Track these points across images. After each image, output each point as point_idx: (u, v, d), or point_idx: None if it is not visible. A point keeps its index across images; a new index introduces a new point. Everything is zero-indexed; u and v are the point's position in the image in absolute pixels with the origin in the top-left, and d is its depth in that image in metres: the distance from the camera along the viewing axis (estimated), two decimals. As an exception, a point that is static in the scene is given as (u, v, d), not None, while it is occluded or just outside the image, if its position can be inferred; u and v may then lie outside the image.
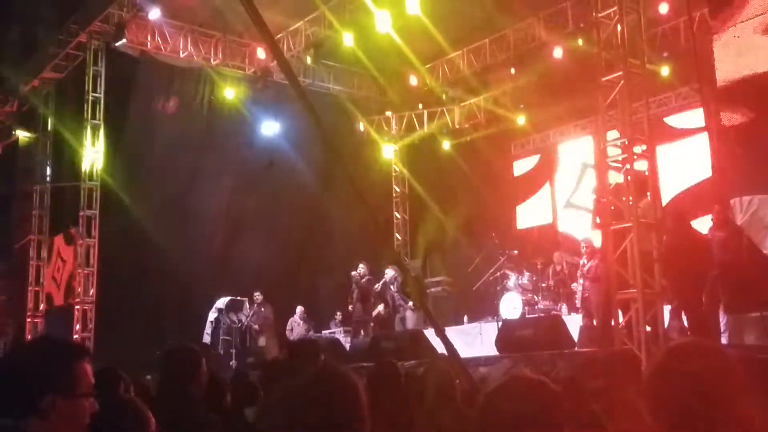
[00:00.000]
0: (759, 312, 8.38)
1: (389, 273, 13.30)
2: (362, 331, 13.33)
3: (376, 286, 13.34)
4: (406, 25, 13.45)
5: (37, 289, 16.57)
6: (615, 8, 9.85)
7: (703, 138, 12.79)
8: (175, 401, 4.14)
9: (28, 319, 16.21)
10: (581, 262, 11.91)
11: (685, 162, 14.27)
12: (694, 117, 13.79)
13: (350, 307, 13.47)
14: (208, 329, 14.25)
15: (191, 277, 14.38)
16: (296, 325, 14.22)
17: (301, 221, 15.93)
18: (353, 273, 13.46)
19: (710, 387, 1.96)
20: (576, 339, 9.90)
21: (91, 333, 14.17)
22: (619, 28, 9.72)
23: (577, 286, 11.90)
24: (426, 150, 18.16)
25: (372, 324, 13.44)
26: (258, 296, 14.24)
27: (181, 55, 15.50)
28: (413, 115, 18.24)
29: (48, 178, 16.99)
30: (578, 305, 11.80)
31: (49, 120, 16.89)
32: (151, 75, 15.22)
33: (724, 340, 8.73)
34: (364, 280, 13.28)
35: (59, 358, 2.15)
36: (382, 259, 13.43)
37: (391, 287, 13.37)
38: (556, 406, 2.19)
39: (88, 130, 14.82)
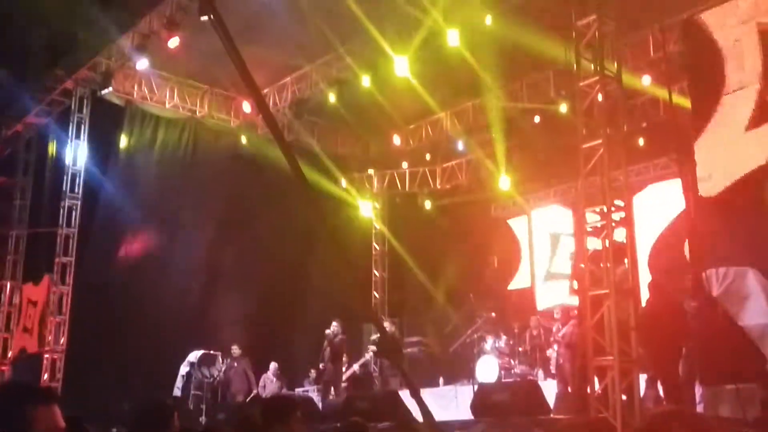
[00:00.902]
0: (734, 384, 8.37)
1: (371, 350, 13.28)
2: (332, 391, 13.15)
3: (356, 365, 13.31)
4: (391, 85, 13.66)
5: (5, 335, 16.23)
6: (596, 78, 10.08)
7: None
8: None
9: (-4, 367, 15.84)
10: (554, 328, 11.98)
11: (659, 203, 14.40)
12: (672, 187, 13.97)
13: (321, 366, 13.26)
14: (179, 383, 13.97)
15: (165, 328, 14.16)
16: (269, 382, 13.99)
17: (279, 277, 15.81)
18: (327, 331, 13.30)
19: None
20: (552, 405, 9.81)
21: (59, 383, 13.83)
22: (600, 97, 9.93)
23: (552, 352, 11.91)
24: (407, 209, 18.26)
25: (344, 384, 13.28)
26: (235, 350, 14.04)
27: (167, 106, 15.61)
28: (395, 174, 18.39)
29: (25, 223, 16.81)
30: (553, 371, 11.77)
31: (31, 165, 16.81)
32: (137, 124, 15.27)
33: (700, 410, 8.69)
34: (337, 338, 13.12)
35: (14, 401, 2.09)
36: (360, 317, 13.34)
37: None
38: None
39: (69, 176, 14.74)
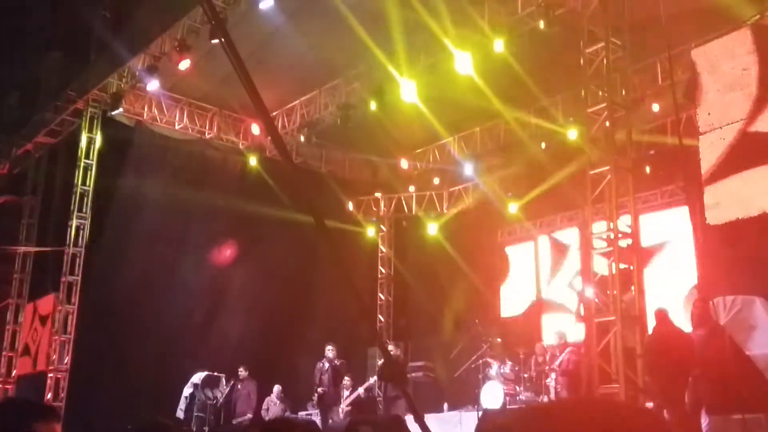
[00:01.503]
0: (741, 414, 8.29)
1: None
2: (332, 415, 13.07)
3: (361, 389, 13.29)
4: (398, 109, 13.72)
5: (10, 354, 16.23)
6: (604, 104, 10.13)
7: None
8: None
9: (-1, 385, 15.83)
10: (547, 356, 12.05)
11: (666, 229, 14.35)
12: (679, 215, 13.94)
13: (320, 390, 13.08)
14: (182, 404, 13.91)
15: (169, 349, 14.12)
16: (272, 405, 13.92)
17: (284, 299, 15.79)
18: (326, 355, 13.17)
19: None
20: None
21: (63, 402, 13.80)
22: (607, 123, 9.97)
23: (551, 381, 11.93)
24: (413, 233, 18.27)
25: (348, 407, 13.22)
26: (242, 372, 13.98)
27: (177, 127, 15.71)
28: (402, 198, 18.42)
29: (32, 242, 16.87)
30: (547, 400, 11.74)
31: (40, 184, 16.91)
32: (146, 145, 15.35)
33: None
34: (335, 362, 13.00)
35: (16, 417, 2.12)
36: (365, 341, 13.30)
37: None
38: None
39: (77, 196, 14.81)
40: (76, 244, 14.73)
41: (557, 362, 11.79)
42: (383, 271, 18.69)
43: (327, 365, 12.82)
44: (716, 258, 9.04)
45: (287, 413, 13.69)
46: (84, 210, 14.83)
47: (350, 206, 18.06)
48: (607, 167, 9.82)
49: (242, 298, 15.44)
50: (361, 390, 13.36)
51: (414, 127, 15.10)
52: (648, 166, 13.85)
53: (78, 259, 14.67)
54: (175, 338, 14.26)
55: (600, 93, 10.28)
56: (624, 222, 9.56)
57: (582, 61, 10.42)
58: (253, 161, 16.14)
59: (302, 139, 15.30)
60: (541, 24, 10.89)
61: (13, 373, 16.02)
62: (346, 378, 13.51)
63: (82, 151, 15.02)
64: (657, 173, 13.92)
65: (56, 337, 14.33)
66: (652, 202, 14.94)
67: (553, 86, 13.67)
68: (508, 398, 12.53)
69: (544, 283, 16.66)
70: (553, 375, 11.83)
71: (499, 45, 11.49)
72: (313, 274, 15.42)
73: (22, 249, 16.79)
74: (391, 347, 14.21)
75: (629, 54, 10.56)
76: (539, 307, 16.52)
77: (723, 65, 9.18)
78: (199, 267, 15.15)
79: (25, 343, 16.13)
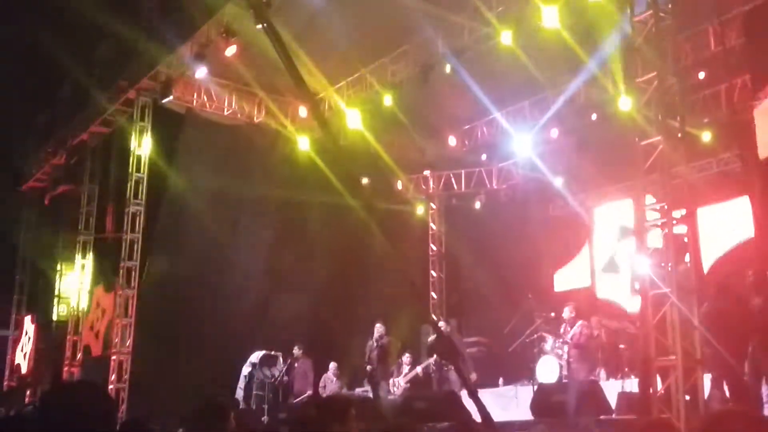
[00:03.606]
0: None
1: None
2: (382, 391, 13.30)
3: (419, 367, 13.45)
4: (447, 84, 13.66)
5: (75, 338, 16.76)
6: (654, 73, 9.91)
7: (745, 202, 12.65)
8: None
9: (65, 368, 16.37)
10: (561, 329, 12.22)
11: (726, 225, 14.08)
12: (735, 185, 13.64)
13: (369, 368, 13.50)
14: (241, 383, 14.23)
15: (227, 330, 14.44)
16: (329, 382, 14.14)
17: (338, 278, 15.96)
18: (376, 334, 13.50)
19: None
20: (614, 405, 9.69)
21: (126, 384, 14.23)
22: (658, 92, 9.76)
23: (562, 354, 12.04)
24: (463, 209, 18.22)
25: (406, 385, 13.40)
26: (297, 350, 14.23)
27: (226, 113, 15.90)
28: (451, 175, 18.38)
29: (92, 230, 17.36)
30: (566, 373, 11.86)
31: (96, 173, 17.37)
32: (197, 131, 15.60)
33: (766, 412, 8.47)
34: (383, 340, 13.35)
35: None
36: (417, 318, 13.37)
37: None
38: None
39: (132, 183, 15.16)
40: (133, 230, 15.09)
41: (569, 335, 12.13)
42: (434, 248, 18.72)
43: (375, 343, 13.17)
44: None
45: (344, 390, 13.90)
46: (139, 197, 15.17)
47: (399, 185, 18.09)
48: (659, 137, 9.64)
49: (296, 278, 15.66)
50: (419, 369, 13.52)
51: (461, 104, 15.02)
52: (702, 134, 13.57)
53: (136, 245, 15.04)
54: (231, 319, 14.56)
55: (650, 62, 10.06)
56: (677, 192, 9.38)
57: (630, 29, 10.21)
58: (304, 144, 16.25)
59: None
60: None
61: (78, 356, 16.56)
62: (406, 355, 13.75)
63: (135, 140, 15.35)
64: (711, 142, 13.63)
65: (118, 321, 14.74)
66: (707, 171, 14.63)
67: (603, 57, 13.42)
68: (563, 372, 12.52)
69: (597, 257, 16.51)
70: (565, 348, 12.12)
71: (550, 13, 11.30)
72: (365, 254, 15.53)
73: (81, 237, 17.27)
74: (442, 324, 14.28)
75: (679, 20, 10.30)
76: (594, 278, 16.38)
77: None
78: (252, 249, 15.39)
79: (88, 328, 16.67)
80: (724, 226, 14.11)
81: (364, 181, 14.58)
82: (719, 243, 14.13)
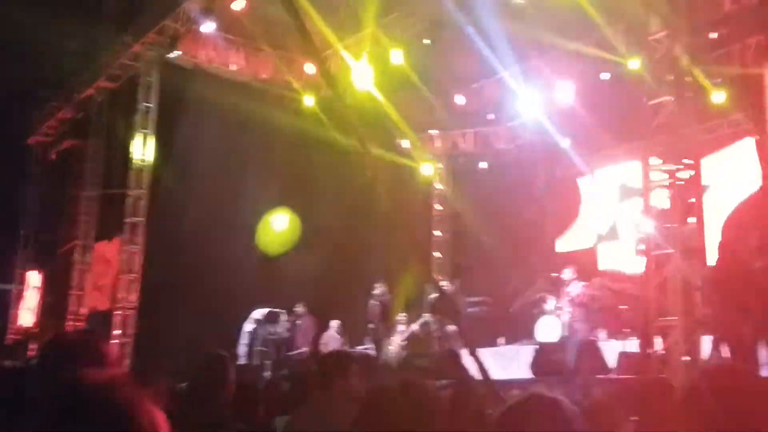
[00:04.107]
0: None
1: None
2: (384, 349, 13.42)
3: (416, 325, 13.49)
4: (453, 41, 13.49)
5: (79, 293, 16.87)
6: (666, 32, 9.75)
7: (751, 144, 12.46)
8: (202, 408, 4.19)
9: (69, 323, 16.51)
10: (567, 290, 12.20)
11: (732, 174, 13.86)
12: (745, 147, 13.50)
13: (371, 326, 13.63)
14: (244, 340, 14.33)
15: (231, 287, 14.50)
16: (332, 339, 14.23)
17: (341, 236, 15.98)
18: (373, 293, 13.60)
19: (744, 407, 1.92)
20: (613, 364, 9.73)
21: (131, 338, 14.35)
22: (670, 51, 9.61)
23: (562, 313, 12.08)
24: (468, 169, 18.12)
25: (404, 342, 13.47)
26: (299, 308, 14.31)
27: (233, 68, 15.76)
28: (459, 134, 18.25)
29: (97, 185, 17.36)
30: (567, 333, 11.91)
31: (102, 128, 17.31)
32: (203, 87, 15.49)
33: (764, 374, 8.48)
34: (384, 298, 13.49)
35: None
36: (421, 277, 13.40)
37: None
38: (572, 425, 2.17)
39: (139, 139, 15.10)
40: (139, 187, 15.07)
41: (572, 296, 12.15)
42: (439, 208, 18.68)
43: (376, 301, 13.27)
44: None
45: (345, 347, 14.01)
46: (145, 153, 15.12)
47: (405, 144, 17.99)
48: (669, 97, 9.51)
49: (300, 236, 15.67)
50: (415, 326, 13.56)
51: (469, 62, 14.83)
52: (714, 94, 13.36)
53: (141, 201, 15.03)
54: (236, 276, 14.62)
55: (663, 19, 9.89)
56: (685, 153, 9.29)
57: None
58: (309, 101, 16.13)
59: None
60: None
61: (82, 310, 16.69)
62: (402, 314, 13.76)
63: (142, 95, 15.25)
64: (723, 103, 13.42)
65: (122, 276, 14.81)
66: (718, 132, 14.44)
67: (613, 15, 13.19)
68: (565, 332, 12.57)
69: (602, 217, 16.42)
70: (567, 308, 12.14)
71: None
72: (371, 212, 15.50)
73: (86, 192, 17.30)
74: (445, 283, 14.32)
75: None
76: (596, 242, 16.32)
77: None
78: (257, 206, 15.40)
79: (93, 282, 16.78)
80: (729, 176, 13.86)
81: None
82: (725, 198, 13.94)
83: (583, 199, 16.95)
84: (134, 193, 15.01)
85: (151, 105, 15.28)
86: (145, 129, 15.20)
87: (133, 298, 14.68)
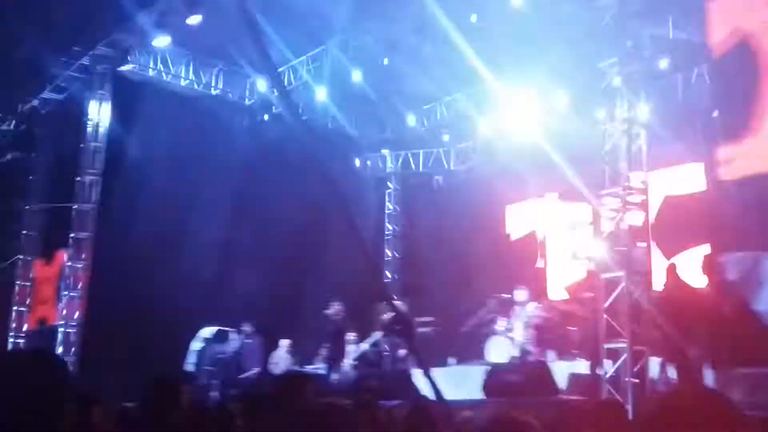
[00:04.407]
0: (746, 369, 8.34)
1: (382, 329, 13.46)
2: (337, 370, 13.32)
3: (367, 343, 13.44)
4: (408, 62, 13.61)
5: (21, 309, 16.38)
6: (615, 59, 10.00)
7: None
8: (154, 429, 4.10)
9: (11, 340, 16.00)
10: (519, 311, 12.34)
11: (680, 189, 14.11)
12: (692, 171, 13.79)
13: (325, 345, 13.51)
14: (192, 359, 14.06)
15: (180, 305, 14.22)
16: (282, 359, 14.07)
17: (293, 255, 15.88)
18: (327, 312, 13.51)
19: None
20: (563, 386, 9.83)
21: (74, 356, 13.98)
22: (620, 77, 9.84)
23: (513, 334, 12.20)
24: (421, 190, 18.23)
25: (355, 362, 13.39)
26: (247, 327, 14.11)
27: (183, 83, 15.61)
28: (409, 154, 18.36)
29: (42, 199, 16.89)
30: (519, 355, 12.03)
31: (48, 140, 16.87)
32: (154, 101, 15.27)
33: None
34: (338, 317, 13.38)
35: None
36: (372, 297, 13.34)
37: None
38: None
39: (87, 153, 14.79)
40: (87, 200, 14.76)
41: (525, 317, 12.29)
42: (390, 227, 18.72)
43: (329, 321, 13.18)
44: (727, 213, 8.99)
45: (297, 367, 13.86)
46: (95, 166, 14.83)
47: (357, 163, 18.02)
48: (618, 124, 9.74)
49: (251, 255, 15.50)
50: (366, 345, 13.50)
51: (421, 83, 14.95)
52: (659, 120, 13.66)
53: (89, 215, 14.71)
54: (185, 294, 14.36)
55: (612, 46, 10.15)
56: (635, 177, 9.51)
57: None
58: (263, 117, 16.06)
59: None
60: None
61: (24, 327, 16.19)
62: (351, 333, 13.66)
63: (90, 108, 14.96)
64: (670, 128, 13.74)
65: (66, 293, 14.44)
66: (666, 158, 14.74)
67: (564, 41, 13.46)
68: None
69: (550, 240, 16.61)
70: (522, 329, 12.25)
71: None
72: (321, 232, 15.44)
73: (29, 206, 16.82)
74: (397, 303, 14.30)
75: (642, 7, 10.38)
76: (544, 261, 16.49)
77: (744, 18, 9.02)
78: (208, 223, 15.19)
79: (35, 299, 16.29)
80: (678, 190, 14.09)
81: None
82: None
83: (527, 223, 17.08)
84: (81, 207, 14.68)
85: (99, 118, 15.00)
86: (94, 142, 14.90)
87: (78, 314, 14.31)
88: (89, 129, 14.87)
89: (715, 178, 9.23)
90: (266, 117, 16.04)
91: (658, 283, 9.46)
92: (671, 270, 9.31)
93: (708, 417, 2.01)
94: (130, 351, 13.21)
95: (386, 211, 18.77)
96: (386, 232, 18.60)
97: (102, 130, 14.95)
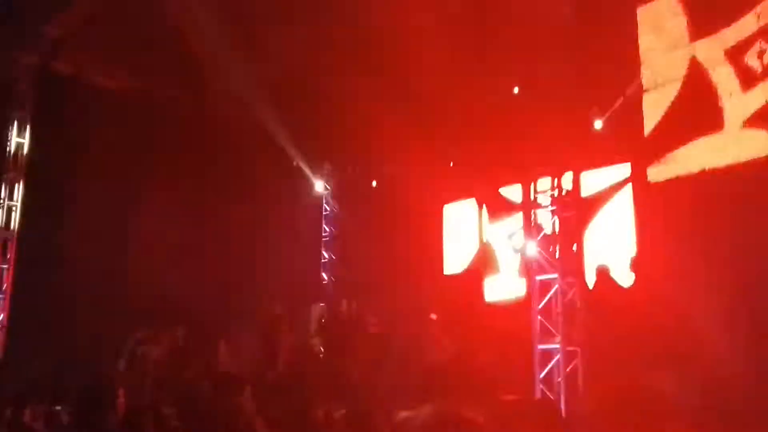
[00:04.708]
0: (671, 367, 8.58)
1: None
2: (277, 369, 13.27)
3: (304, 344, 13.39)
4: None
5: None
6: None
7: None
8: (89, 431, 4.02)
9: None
10: None
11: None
12: (622, 172, 14.09)
13: (263, 346, 13.42)
14: (124, 359, 13.77)
15: (110, 306, 13.92)
16: (220, 360, 13.91)
17: (229, 255, 15.69)
18: (264, 312, 13.46)
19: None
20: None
21: (-1, 359, 13.54)
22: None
23: None
24: (358, 190, 18.20)
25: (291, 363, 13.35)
26: (181, 330, 13.90)
27: (118, 80, 15.25)
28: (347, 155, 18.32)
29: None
30: None
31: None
32: (83, 97, 14.88)
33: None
34: (274, 317, 13.34)
35: None
36: (309, 299, 13.34)
37: None
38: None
39: (12, 149, 14.31)
40: (10, 199, 14.30)
41: None
42: (327, 229, 18.65)
43: (265, 321, 13.14)
44: (655, 215, 9.28)
45: (234, 368, 13.71)
46: (19, 163, 14.37)
47: (298, 162, 17.93)
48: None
49: (186, 256, 15.26)
50: (303, 346, 13.50)
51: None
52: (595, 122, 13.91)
53: (13, 214, 14.25)
54: (116, 295, 14.06)
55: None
56: (567, 179, 9.70)
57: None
58: (198, 113, 15.79)
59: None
60: None
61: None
62: (289, 334, 13.63)
63: (16, 103, 14.48)
64: (602, 130, 14.01)
65: (-10, 293, 13.98)
66: (597, 159, 15.03)
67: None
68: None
69: (486, 240, 16.72)
70: None
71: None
72: (257, 233, 15.34)
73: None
74: (335, 304, 14.31)
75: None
76: (482, 264, 16.61)
77: (667, 23, 9.33)
78: (141, 221, 14.90)
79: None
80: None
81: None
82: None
83: (462, 222, 17.12)
84: (6, 204, 14.22)
85: (26, 113, 14.55)
86: (21, 138, 14.45)
87: (1, 316, 13.86)
88: (13, 125, 14.38)
89: (642, 179, 9.51)
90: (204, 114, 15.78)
91: (590, 283, 9.69)
92: (603, 272, 9.55)
93: (641, 411, 2.07)
94: (62, 353, 12.88)
95: (323, 213, 18.69)
96: (323, 233, 18.52)
97: (27, 126, 14.48)
